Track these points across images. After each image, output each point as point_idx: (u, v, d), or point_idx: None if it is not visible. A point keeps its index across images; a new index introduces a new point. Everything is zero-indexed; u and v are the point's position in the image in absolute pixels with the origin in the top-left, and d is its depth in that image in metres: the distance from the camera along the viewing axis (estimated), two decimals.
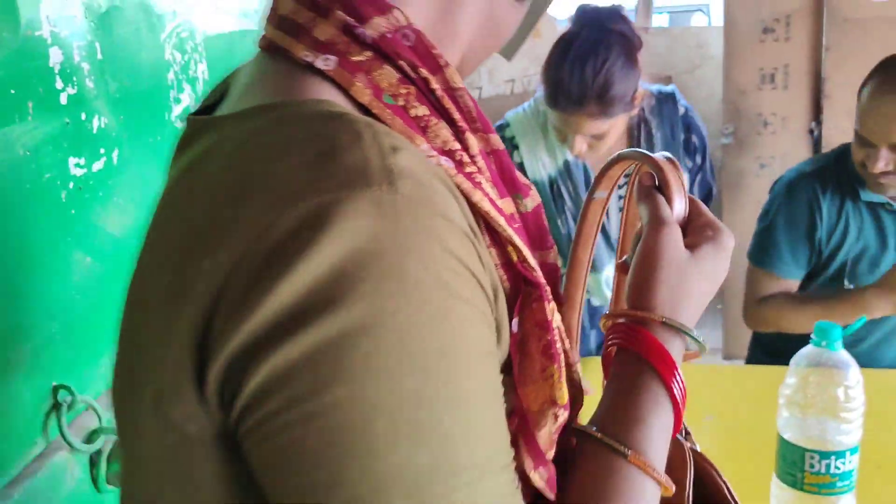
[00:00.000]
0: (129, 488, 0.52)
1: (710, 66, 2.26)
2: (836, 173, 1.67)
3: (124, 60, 1.22)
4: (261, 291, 0.39)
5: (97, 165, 1.14)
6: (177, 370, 0.42)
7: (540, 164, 1.67)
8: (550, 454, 0.53)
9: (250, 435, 0.41)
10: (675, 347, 0.57)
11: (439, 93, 0.51)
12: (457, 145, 0.50)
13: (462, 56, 0.58)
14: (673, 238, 0.60)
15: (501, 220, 0.49)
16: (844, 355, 1.07)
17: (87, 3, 1.12)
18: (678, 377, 0.56)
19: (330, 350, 0.39)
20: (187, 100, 1.41)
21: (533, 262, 0.52)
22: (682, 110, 1.70)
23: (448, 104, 0.51)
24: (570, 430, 0.57)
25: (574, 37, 1.49)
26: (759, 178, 2.18)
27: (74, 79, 1.08)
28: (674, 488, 0.56)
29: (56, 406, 1.04)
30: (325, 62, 0.48)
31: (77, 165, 1.10)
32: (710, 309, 2.31)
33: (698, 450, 0.69)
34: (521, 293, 0.51)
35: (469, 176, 0.49)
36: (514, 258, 0.51)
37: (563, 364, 0.52)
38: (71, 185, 1.08)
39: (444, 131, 0.50)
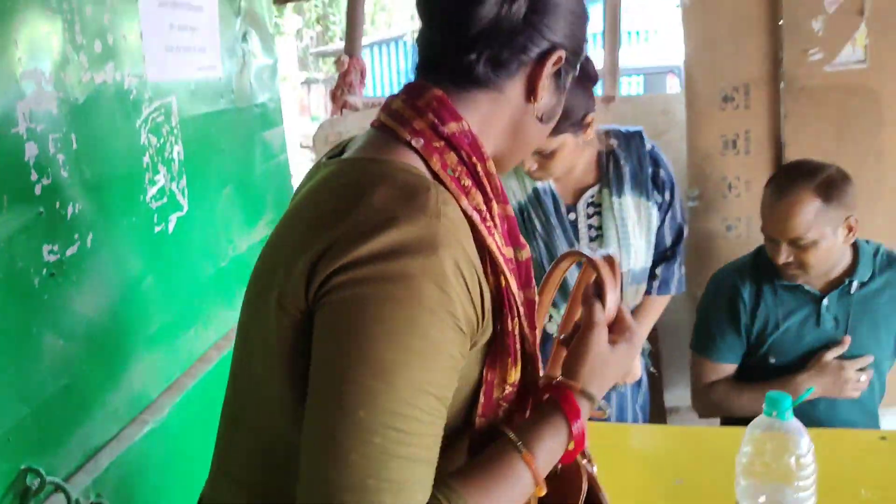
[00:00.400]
0: (241, 366, 0.84)
1: (675, 131, 2.33)
2: (755, 266, 1.85)
3: (100, 148, 1.27)
4: (351, 247, 0.70)
5: (71, 250, 1.18)
6: (297, 282, 0.73)
7: (510, 192, 1.70)
8: (496, 415, 0.82)
9: (318, 310, 0.72)
10: (584, 406, 0.84)
11: (481, 174, 0.80)
12: (484, 207, 0.79)
13: (495, 153, 0.86)
14: (601, 338, 0.87)
15: (500, 259, 0.77)
16: (795, 424, 1.10)
17: (63, 98, 1.17)
18: (579, 423, 0.82)
19: (372, 281, 0.69)
20: (162, 180, 1.46)
21: (515, 289, 0.79)
22: (649, 146, 1.75)
23: (484, 182, 0.80)
24: (497, 430, 0.81)
25: None
26: (727, 239, 2.24)
27: (49, 170, 1.13)
28: (545, 490, 0.81)
29: (25, 490, 1.05)
30: (417, 142, 0.79)
31: (51, 252, 1.13)
32: (684, 369, 2.30)
33: (594, 473, 0.94)
34: (501, 308, 0.78)
35: (487, 228, 0.77)
36: (503, 284, 0.77)
37: (517, 358, 0.81)
38: (44, 271, 1.12)
39: (479, 197, 0.79)
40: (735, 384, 1.84)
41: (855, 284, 1.76)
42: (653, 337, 1.82)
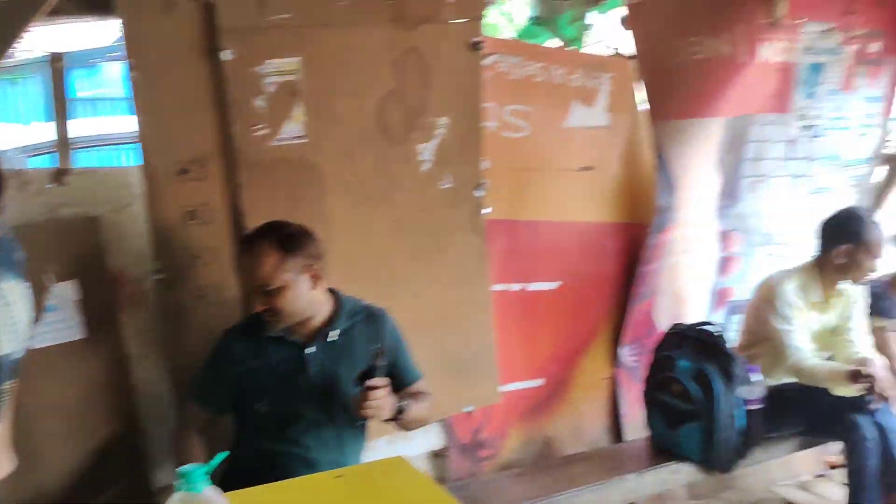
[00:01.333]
0: None
1: (138, 204, 2.28)
2: (249, 326, 2.05)
3: None
4: None
5: None
6: None
7: None
8: None
9: None
10: None
11: None
12: None
13: None
14: None
15: None
16: (208, 493, 1.12)
17: None
18: None
19: None
20: None
21: None
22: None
23: None
24: None
25: None
26: (197, 307, 2.26)
27: None
28: None
29: None
30: None
31: None
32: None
33: None
34: None
35: None
36: None
37: None
38: None
39: None
40: (185, 445, 2.01)
41: (334, 333, 2.00)
42: None
